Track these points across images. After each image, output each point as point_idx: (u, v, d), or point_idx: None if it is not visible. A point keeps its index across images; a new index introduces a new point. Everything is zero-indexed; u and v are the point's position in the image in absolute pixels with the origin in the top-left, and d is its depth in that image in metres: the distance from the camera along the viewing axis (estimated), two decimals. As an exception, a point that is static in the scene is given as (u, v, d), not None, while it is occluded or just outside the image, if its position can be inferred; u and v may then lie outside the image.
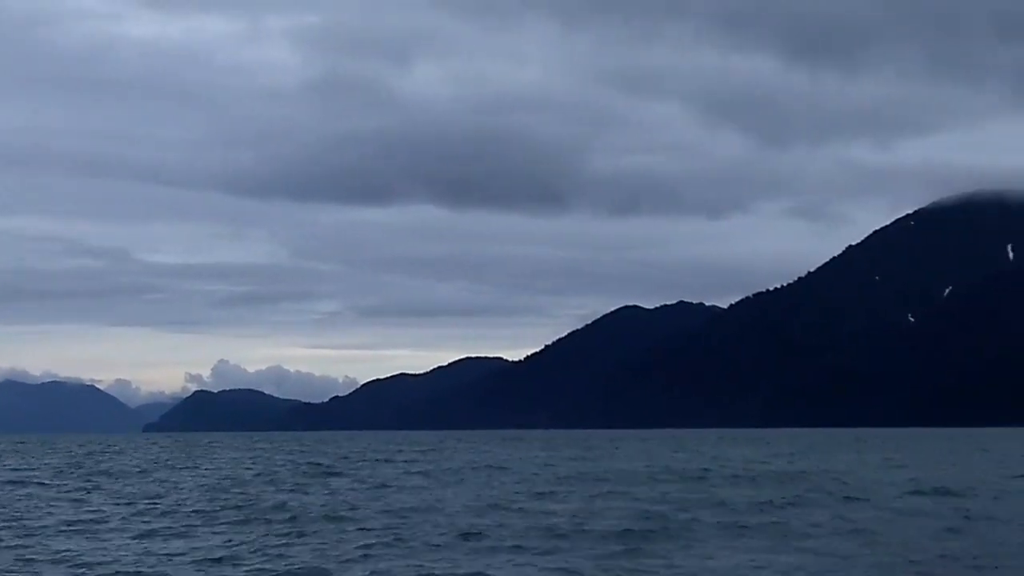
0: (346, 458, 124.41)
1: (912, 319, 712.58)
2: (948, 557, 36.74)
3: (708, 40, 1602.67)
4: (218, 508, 54.84)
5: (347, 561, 36.86)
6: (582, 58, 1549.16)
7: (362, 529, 44.37)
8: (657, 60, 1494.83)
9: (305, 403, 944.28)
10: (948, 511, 50.75)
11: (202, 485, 73.26)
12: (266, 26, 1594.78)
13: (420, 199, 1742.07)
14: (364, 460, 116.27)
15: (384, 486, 67.27)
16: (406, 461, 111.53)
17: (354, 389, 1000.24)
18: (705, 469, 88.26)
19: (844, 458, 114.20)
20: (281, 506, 55.08)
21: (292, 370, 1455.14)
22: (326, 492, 64.50)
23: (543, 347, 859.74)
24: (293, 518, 49.43)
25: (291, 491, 65.14)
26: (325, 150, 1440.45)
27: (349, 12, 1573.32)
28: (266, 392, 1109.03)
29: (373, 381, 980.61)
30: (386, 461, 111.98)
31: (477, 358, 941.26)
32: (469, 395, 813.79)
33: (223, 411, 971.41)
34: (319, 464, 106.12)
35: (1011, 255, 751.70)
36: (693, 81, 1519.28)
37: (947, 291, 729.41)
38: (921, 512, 50.37)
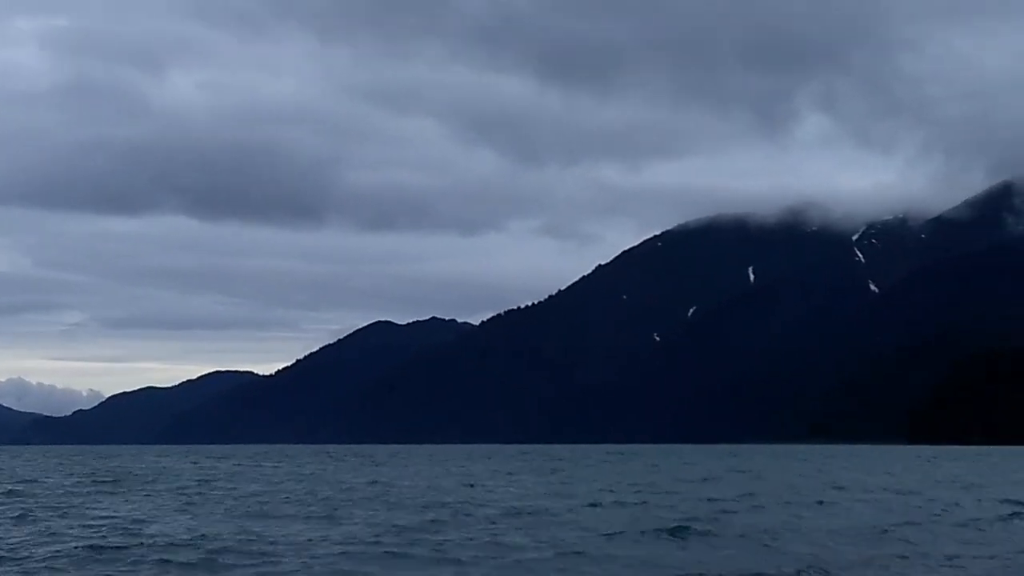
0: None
1: (658, 337, 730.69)
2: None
3: (463, 58, 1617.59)
4: None
5: None
6: (338, 72, 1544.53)
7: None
8: (413, 76, 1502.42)
9: (46, 416, 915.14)
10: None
11: None
12: (12, 27, 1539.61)
13: (171, 210, 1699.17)
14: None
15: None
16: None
17: (99, 402, 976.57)
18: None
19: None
20: None
21: (34, 382, 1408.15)
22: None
23: (294, 361, 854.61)
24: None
25: None
26: (73, 157, 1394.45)
27: (101, 16, 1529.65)
28: (4, 405, 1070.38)
29: (119, 394, 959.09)
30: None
31: (227, 372, 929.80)
32: (218, 409, 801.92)
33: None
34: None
35: (752, 277, 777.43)
36: (448, 98, 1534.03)
37: (691, 311, 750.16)
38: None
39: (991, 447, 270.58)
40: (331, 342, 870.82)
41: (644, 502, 62.34)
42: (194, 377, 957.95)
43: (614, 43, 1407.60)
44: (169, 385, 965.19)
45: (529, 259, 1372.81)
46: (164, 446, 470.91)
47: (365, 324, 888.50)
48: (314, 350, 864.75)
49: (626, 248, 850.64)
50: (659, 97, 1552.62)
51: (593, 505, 59.77)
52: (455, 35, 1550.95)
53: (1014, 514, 52.75)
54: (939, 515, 53.43)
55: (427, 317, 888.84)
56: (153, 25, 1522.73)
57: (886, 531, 45.32)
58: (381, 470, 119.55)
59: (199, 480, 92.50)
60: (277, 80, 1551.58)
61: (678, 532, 44.58)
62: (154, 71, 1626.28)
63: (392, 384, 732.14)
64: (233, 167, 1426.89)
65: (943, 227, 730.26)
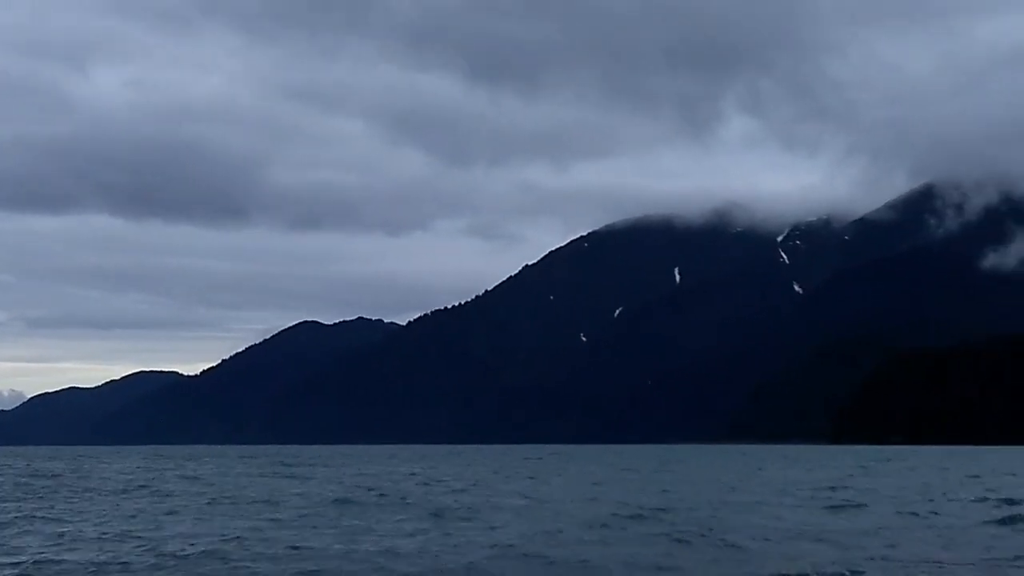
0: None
1: (584, 337, 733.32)
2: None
3: (390, 57, 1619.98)
4: None
5: None
6: (266, 70, 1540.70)
7: None
8: (340, 75, 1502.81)
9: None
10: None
11: None
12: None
13: (96, 208, 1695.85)
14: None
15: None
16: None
17: (21, 403, 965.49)
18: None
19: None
20: None
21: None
22: None
23: (220, 361, 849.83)
24: None
25: None
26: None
27: (24, 12, 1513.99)
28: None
29: (42, 395, 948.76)
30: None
31: (151, 372, 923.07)
32: (143, 410, 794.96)
33: None
34: None
35: (678, 278, 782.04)
36: (376, 98, 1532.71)
37: (618, 311, 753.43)
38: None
39: (913, 447, 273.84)
40: (257, 342, 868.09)
41: (575, 500, 62.48)
42: (118, 377, 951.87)
43: (542, 44, 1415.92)
44: (93, 385, 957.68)
45: (456, 259, 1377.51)
46: (88, 447, 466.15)
47: (291, 324, 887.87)
48: (240, 350, 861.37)
49: (553, 248, 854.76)
50: (586, 98, 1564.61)
51: (526, 504, 59.79)
52: (382, 34, 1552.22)
53: (927, 515, 53.26)
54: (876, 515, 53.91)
55: (354, 317, 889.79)
56: (77, 22, 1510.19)
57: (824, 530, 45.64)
58: (315, 470, 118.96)
59: (127, 481, 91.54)
60: (203, 78, 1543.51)
61: (612, 529, 44.61)
62: (78, 68, 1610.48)
63: (319, 384, 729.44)
64: (158, 166, 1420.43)
65: (866, 229, 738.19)
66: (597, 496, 67.39)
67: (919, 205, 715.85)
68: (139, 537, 43.73)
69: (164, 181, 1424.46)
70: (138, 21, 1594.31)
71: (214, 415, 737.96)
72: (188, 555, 38.34)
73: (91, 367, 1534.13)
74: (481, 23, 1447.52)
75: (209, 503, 62.45)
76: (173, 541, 42.25)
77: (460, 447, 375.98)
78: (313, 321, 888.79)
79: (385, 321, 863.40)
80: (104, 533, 45.80)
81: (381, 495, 67.76)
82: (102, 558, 38.19)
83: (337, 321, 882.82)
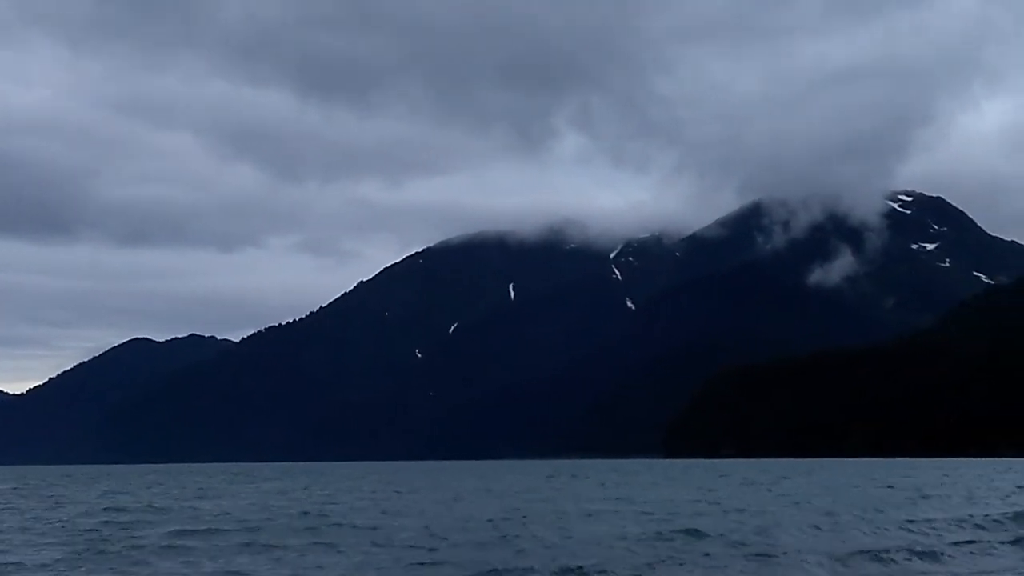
0: None
1: (419, 353, 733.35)
2: None
3: (221, 71, 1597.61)
4: None
5: None
6: (92, 83, 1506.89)
7: None
8: (169, 89, 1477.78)
9: None
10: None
11: None
12: None
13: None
14: None
15: None
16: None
17: None
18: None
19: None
20: None
21: None
22: None
23: (47, 380, 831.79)
24: None
25: None
26: None
27: None
28: None
29: None
30: None
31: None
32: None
33: None
34: None
35: (512, 294, 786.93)
36: (206, 112, 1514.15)
37: (453, 327, 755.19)
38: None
39: (744, 460, 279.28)
40: (86, 359, 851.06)
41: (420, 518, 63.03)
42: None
43: (374, 59, 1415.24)
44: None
45: (289, 275, 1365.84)
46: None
47: (122, 341, 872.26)
48: (67, 368, 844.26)
49: (387, 265, 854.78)
50: (419, 114, 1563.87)
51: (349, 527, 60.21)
52: (212, 48, 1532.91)
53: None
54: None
55: (186, 334, 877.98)
56: None
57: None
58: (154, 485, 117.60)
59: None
60: (27, 90, 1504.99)
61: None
62: None
63: (151, 402, 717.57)
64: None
65: (696, 245, 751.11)
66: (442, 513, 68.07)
67: (747, 222, 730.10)
68: None
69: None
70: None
71: (41, 434, 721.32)
72: None
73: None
74: (313, 38, 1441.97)
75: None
76: None
77: (295, 464, 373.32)
78: (144, 338, 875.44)
79: (218, 338, 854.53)
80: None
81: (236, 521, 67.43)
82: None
83: (169, 338, 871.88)
